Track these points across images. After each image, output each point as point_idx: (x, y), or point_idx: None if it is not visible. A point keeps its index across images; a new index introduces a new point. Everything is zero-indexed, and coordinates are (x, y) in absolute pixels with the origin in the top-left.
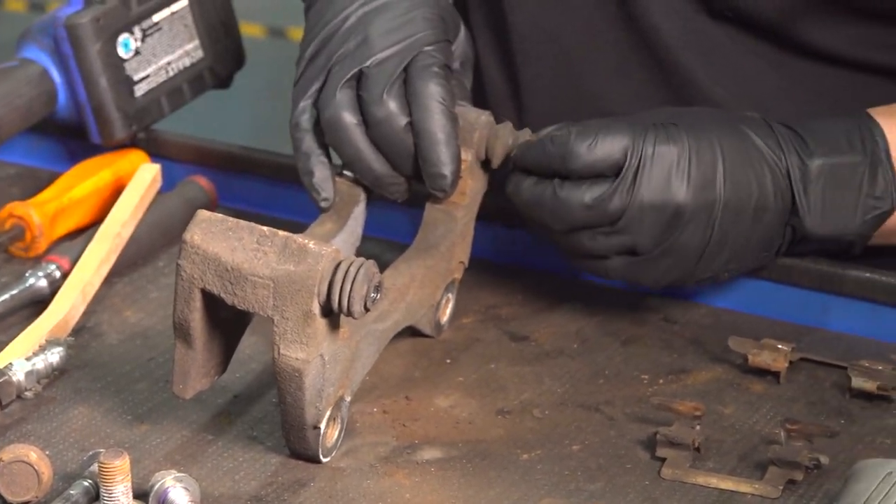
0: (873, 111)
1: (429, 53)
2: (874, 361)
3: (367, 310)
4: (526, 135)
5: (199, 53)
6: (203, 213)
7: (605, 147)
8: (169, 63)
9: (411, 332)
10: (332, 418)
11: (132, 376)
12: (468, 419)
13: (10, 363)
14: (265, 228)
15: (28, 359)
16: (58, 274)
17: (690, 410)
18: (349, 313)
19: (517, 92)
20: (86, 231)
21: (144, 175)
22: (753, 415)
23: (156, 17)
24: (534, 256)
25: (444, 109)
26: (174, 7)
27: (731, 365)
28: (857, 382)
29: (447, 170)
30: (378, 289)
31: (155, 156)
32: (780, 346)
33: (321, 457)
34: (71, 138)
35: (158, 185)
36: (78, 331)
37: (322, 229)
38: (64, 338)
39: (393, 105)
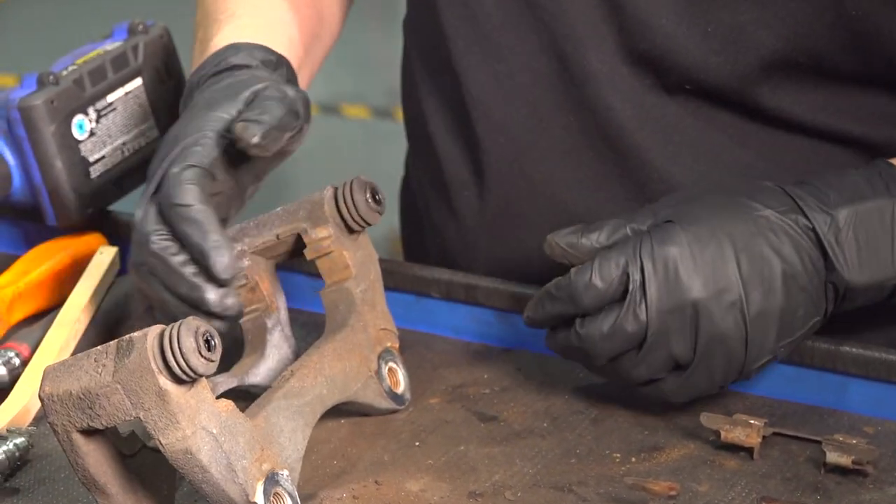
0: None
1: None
2: (847, 436)
3: (209, 360)
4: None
5: (155, 132)
6: (47, 367)
7: (604, 275)
8: (124, 143)
9: (374, 411)
10: (271, 494)
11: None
12: (440, 502)
13: None
14: (100, 346)
15: None
16: (17, 361)
17: (665, 490)
18: (192, 370)
19: (480, 177)
20: (44, 315)
21: (103, 258)
22: (728, 492)
23: (110, 98)
24: (499, 333)
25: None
26: (128, 87)
27: (704, 441)
28: (832, 457)
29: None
30: (210, 338)
31: (112, 237)
32: (752, 422)
33: None
34: (26, 221)
35: (117, 267)
36: (39, 419)
37: (243, 366)
38: (25, 427)
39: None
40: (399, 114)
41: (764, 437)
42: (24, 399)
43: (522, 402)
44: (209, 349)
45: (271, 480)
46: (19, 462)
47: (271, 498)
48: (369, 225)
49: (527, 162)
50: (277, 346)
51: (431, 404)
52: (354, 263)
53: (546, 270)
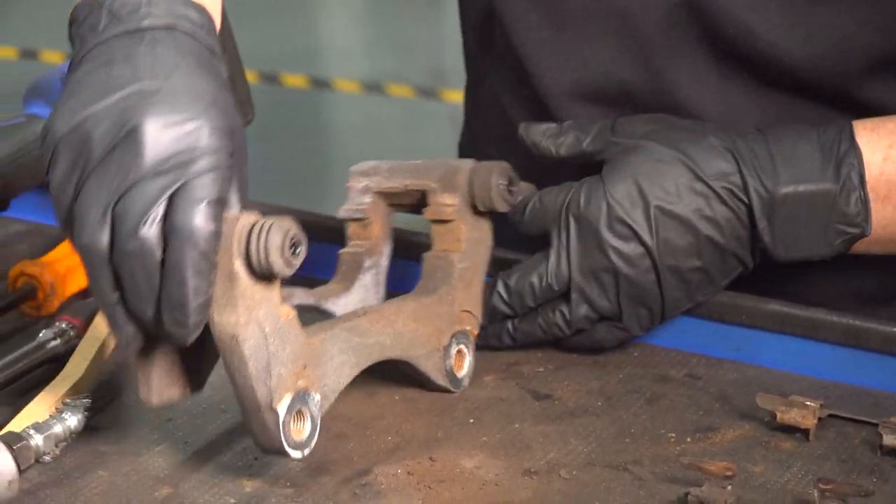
0: (859, 124)
1: (201, 185)
2: None
3: (287, 263)
4: (526, 186)
5: None
6: None
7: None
8: None
9: (428, 387)
10: (295, 410)
11: (150, 438)
12: (494, 480)
13: (28, 427)
14: None
15: (45, 422)
16: (72, 333)
17: (721, 470)
18: (269, 265)
19: None
20: None
21: None
22: (784, 473)
23: None
24: None
25: (205, 252)
26: None
27: (759, 422)
28: (889, 440)
29: (189, 316)
30: (296, 243)
31: None
32: (808, 403)
33: (286, 447)
34: None
35: None
36: (94, 392)
37: (326, 290)
38: (81, 399)
39: (148, 240)
40: (443, 93)
41: (819, 419)
42: (79, 371)
43: (576, 380)
44: (293, 254)
45: (300, 398)
46: (74, 435)
47: (294, 413)
48: (495, 211)
49: None
50: (366, 286)
51: (486, 382)
52: (467, 240)
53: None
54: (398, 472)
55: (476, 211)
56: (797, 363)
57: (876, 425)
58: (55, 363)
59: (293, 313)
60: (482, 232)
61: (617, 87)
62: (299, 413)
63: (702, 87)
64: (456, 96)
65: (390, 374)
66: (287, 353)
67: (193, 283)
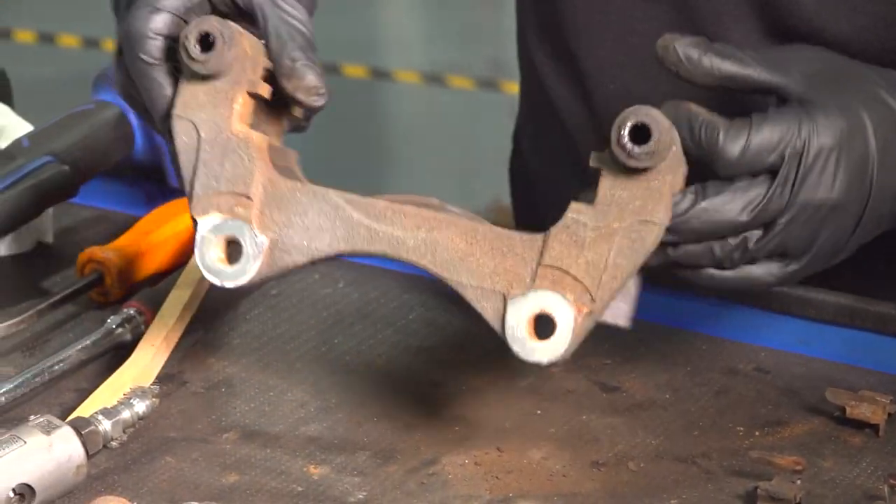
0: None
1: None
2: None
3: (196, 56)
4: None
5: None
6: None
7: (760, 146)
8: None
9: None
10: (222, 233)
11: (218, 425)
12: (562, 472)
13: (96, 413)
14: None
15: (113, 408)
16: (139, 320)
17: (791, 465)
18: (182, 57)
19: (598, 124)
20: (165, 276)
21: None
22: (854, 469)
23: None
24: None
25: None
26: None
27: (828, 417)
28: None
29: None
30: (208, 37)
31: None
32: (878, 398)
33: (199, 264)
34: (147, 181)
35: None
36: (161, 379)
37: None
38: (149, 386)
39: None
40: (503, 84)
41: (889, 415)
42: (147, 358)
43: (643, 373)
44: (204, 47)
45: (236, 226)
46: (142, 421)
47: (220, 237)
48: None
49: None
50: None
51: (553, 373)
52: (605, 199)
53: None
54: (465, 462)
55: (628, 169)
56: (866, 357)
57: None
58: (122, 350)
59: (255, 139)
60: (634, 197)
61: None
62: (230, 241)
63: None
64: (516, 87)
65: (456, 364)
66: (226, 169)
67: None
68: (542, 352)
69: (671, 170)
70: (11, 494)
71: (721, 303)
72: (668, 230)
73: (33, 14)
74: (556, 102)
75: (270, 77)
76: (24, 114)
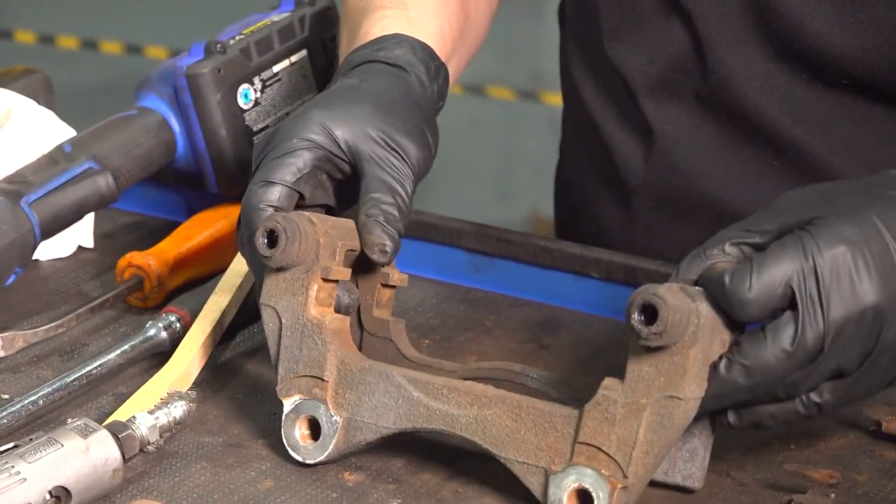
0: None
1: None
2: None
3: (265, 252)
4: None
5: None
6: None
7: (766, 282)
8: (288, 114)
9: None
10: (304, 414)
11: (254, 431)
12: None
13: (134, 416)
14: None
15: (151, 412)
16: (178, 325)
17: (825, 478)
18: (261, 255)
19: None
20: (203, 282)
21: None
22: (889, 483)
23: (276, 68)
24: None
25: None
26: (294, 58)
27: (864, 431)
28: None
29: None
30: (272, 234)
31: None
32: None
33: (284, 439)
34: (188, 188)
35: None
36: (199, 384)
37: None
38: (186, 391)
39: None
40: (544, 96)
41: None
42: (185, 363)
43: None
44: (268, 243)
45: (313, 406)
46: (178, 426)
47: (302, 417)
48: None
49: (681, 156)
50: None
51: (589, 382)
52: (633, 376)
53: None
54: (499, 470)
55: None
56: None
57: None
58: (161, 355)
59: (331, 322)
60: (659, 374)
61: (682, 82)
62: (310, 420)
63: (757, 81)
64: (556, 99)
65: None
66: (303, 353)
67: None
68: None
69: (696, 343)
70: (48, 497)
71: None
72: (716, 399)
73: (75, 20)
74: (591, 111)
75: None
76: (66, 119)
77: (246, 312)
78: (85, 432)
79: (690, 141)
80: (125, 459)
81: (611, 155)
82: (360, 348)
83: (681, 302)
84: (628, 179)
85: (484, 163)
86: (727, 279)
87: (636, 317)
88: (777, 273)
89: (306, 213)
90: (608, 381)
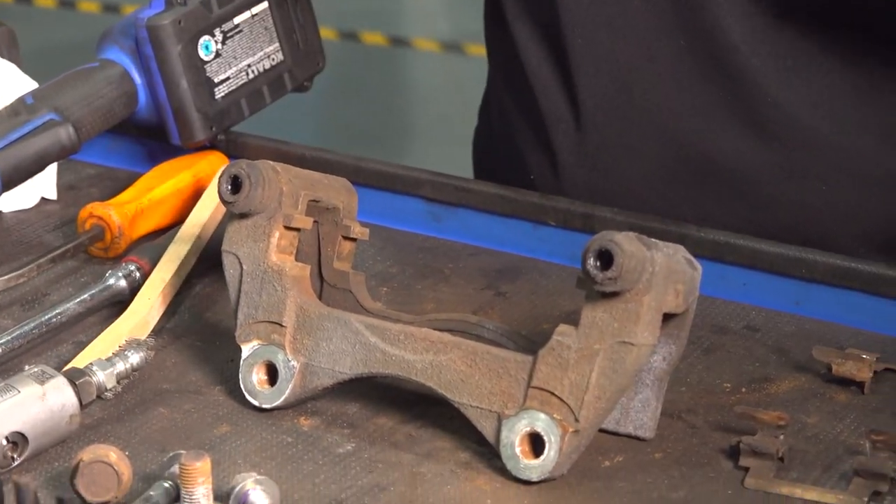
0: None
1: None
2: None
3: (228, 197)
4: None
5: (280, 56)
6: None
7: None
8: (249, 65)
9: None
10: (262, 359)
11: (212, 377)
12: None
13: (91, 363)
14: None
15: (108, 359)
16: (137, 275)
17: (774, 420)
18: (223, 201)
19: (578, 109)
20: (165, 232)
21: None
22: (837, 425)
23: (237, 20)
24: None
25: None
26: (255, 9)
27: (815, 374)
28: None
29: None
30: (236, 179)
31: (234, 157)
32: (864, 356)
33: (241, 385)
34: (150, 139)
35: None
36: (158, 332)
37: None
38: (144, 339)
39: None
40: None
41: (875, 372)
42: (143, 311)
43: None
44: (231, 188)
45: (271, 351)
46: (136, 373)
47: (260, 363)
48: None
49: (635, 90)
50: None
51: (545, 329)
52: (587, 322)
53: (654, 198)
54: (454, 414)
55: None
56: (856, 317)
57: None
58: (121, 304)
59: (291, 268)
60: (613, 319)
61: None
62: (268, 366)
63: (729, 4)
64: None
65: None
66: (263, 299)
67: None
68: (533, 470)
69: (650, 290)
70: (4, 442)
71: (714, 262)
72: None
73: None
74: (528, 67)
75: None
76: (44, 78)
77: (207, 261)
78: (42, 379)
79: (647, 71)
80: (82, 406)
81: (536, 100)
82: (320, 299)
83: (636, 249)
84: (558, 126)
85: (462, 120)
86: None
87: (592, 262)
88: None
89: (270, 162)
90: (562, 328)
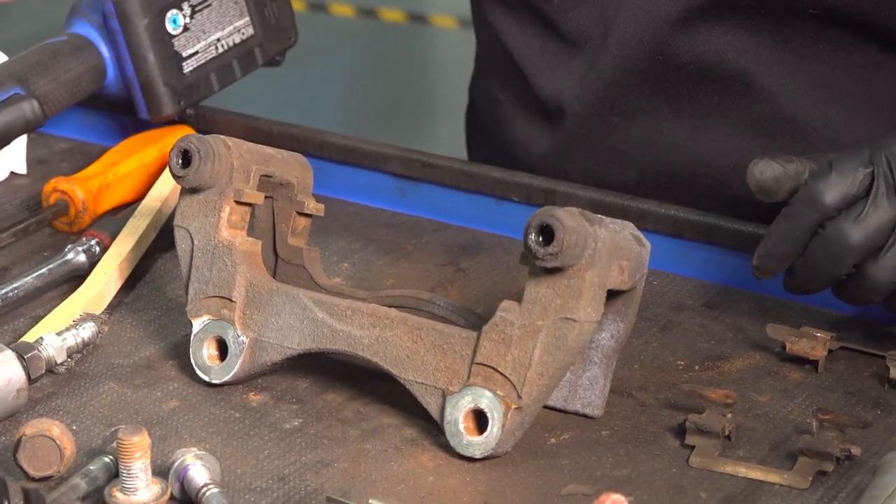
0: None
1: None
2: None
3: (178, 171)
4: None
5: (250, 30)
6: None
7: (845, 172)
8: (219, 39)
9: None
10: (211, 334)
11: (165, 352)
12: None
13: (41, 337)
14: None
15: (59, 333)
16: (97, 249)
17: (721, 398)
18: (174, 175)
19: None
20: (131, 206)
21: None
22: (788, 403)
23: None
24: None
25: None
26: None
27: (770, 352)
28: None
29: None
30: (186, 153)
31: (203, 132)
32: (818, 335)
33: (192, 360)
34: (123, 114)
35: None
36: (115, 306)
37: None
38: (98, 313)
39: None
40: None
41: (830, 351)
42: (99, 285)
43: None
44: (180, 162)
45: (221, 326)
46: (89, 347)
47: (210, 338)
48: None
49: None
50: None
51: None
52: (531, 298)
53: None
54: (403, 391)
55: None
56: (814, 296)
57: (884, 358)
58: (80, 278)
59: (241, 243)
60: (556, 295)
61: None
62: (218, 341)
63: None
64: None
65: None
66: (213, 274)
67: None
68: (476, 446)
69: (593, 266)
70: None
71: (673, 238)
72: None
73: None
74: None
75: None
76: (7, 50)
77: (168, 235)
78: None
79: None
80: (31, 380)
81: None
82: (274, 276)
83: (578, 224)
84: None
85: None
86: (809, 181)
87: (533, 237)
88: (854, 165)
89: (222, 136)
90: (506, 304)
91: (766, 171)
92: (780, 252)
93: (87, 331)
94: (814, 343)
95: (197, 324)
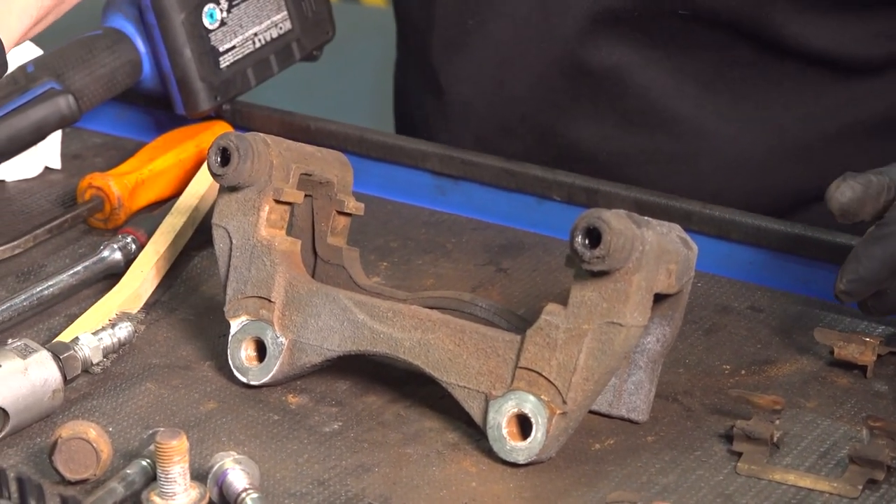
0: None
1: None
2: None
3: (217, 170)
4: None
5: (287, 25)
6: None
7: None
8: (256, 34)
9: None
10: (250, 335)
11: (203, 353)
12: None
13: (77, 337)
14: None
15: (95, 333)
16: (133, 247)
17: (770, 404)
18: (213, 174)
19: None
20: (167, 203)
21: None
22: (837, 410)
23: None
24: None
25: None
26: None
27: (817, 357)
28: None
29: None
30: (225, 152)
31: (240, 128)
32: (867, 340)
33: (230, 362)
34: (158, 109)
35: None
36: (151, 305)
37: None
38: (134, 313)
39: None
40: None
41: (879, 356)
42: (135, 284)
43: None
44: (220, 161)
45: (260, 328)
46: (125, 347)
47: (248, 339)
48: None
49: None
50: None
51: (543, 307)
52: (576, 302)
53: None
54: (444, 394)
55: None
56: None
57: None
58: (116, 276)
59: (280, 243)
60: (602, 299)
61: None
62: (256, 342)
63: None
64: None
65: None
66: (252, 274)
67: None
68: (520, 452)
69: (640, 270)
70: None
71: (719, 240)
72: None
73: None
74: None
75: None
76: (44, 44)
77: (205, 233)
78: (24, 353)
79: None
80: (66, 381)
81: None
82: (313, 275)
83: (625, 227)
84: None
85: None
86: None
87: (580, 240)
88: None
89: (261, 134)
90: (550, 307)
91: (847, 192)
92: (873, 276)
93: (124, 330)
94: (862, 348)
95: (235, 324)
